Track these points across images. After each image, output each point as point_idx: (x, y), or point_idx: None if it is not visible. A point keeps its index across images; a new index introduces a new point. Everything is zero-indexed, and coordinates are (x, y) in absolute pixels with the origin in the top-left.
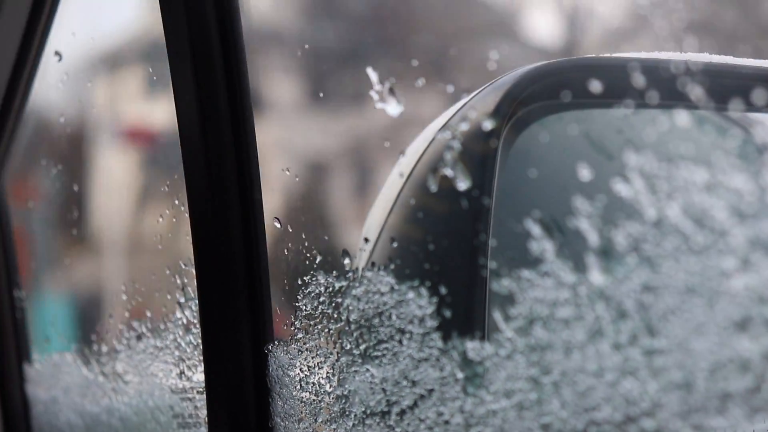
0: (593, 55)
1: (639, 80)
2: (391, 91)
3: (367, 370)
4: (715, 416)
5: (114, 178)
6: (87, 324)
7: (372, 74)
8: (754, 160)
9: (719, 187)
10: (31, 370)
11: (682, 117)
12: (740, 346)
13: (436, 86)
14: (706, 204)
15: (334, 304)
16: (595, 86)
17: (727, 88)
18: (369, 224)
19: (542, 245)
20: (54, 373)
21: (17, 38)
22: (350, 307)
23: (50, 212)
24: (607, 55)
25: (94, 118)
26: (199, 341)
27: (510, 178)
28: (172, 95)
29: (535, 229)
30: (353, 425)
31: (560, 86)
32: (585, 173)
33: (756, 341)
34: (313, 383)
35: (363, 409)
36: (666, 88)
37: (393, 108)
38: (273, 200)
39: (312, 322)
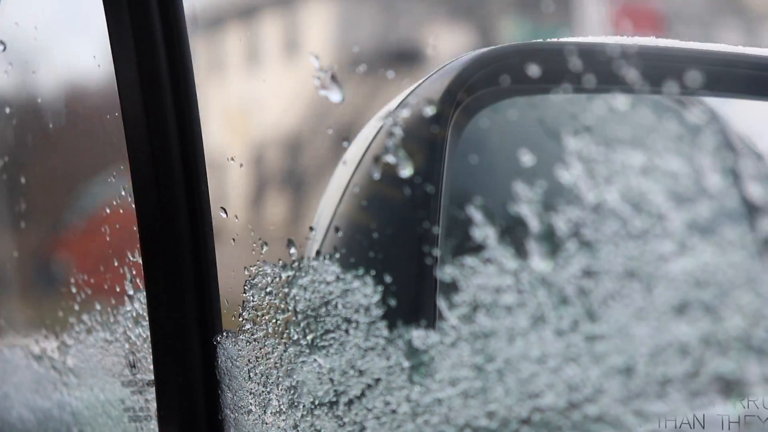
0: (538, 40)
1: (578, 64)
2: (333, 78)
3: (315, 360)
4: (655, 401)
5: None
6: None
7: (314, 61)
8: (689, 143)
9: (656, 171)
10: None
11: (620, 100)
12: (679, 330)
13: (379, 73)
14: (643, 188)
15: (281, 295)
16: (539, 72)
17: (662, 71)
18: (319, 213)
19: (485, 232)
20: (4, 369)
21: None
22: (297, 297)
23: None
24: (552, 39)
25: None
26: (149, 333)
27: (458, 165)
28: (116, 85)
29: (478, 216)
30: (302, 416)
31: (510, 71)
32: (529, 159)
33: (694, 325)
34: (262, 374)
35: (311, 400)
36: (604, 71)
37: (335, 95)
38: (219, 190)
39: (259, 313)
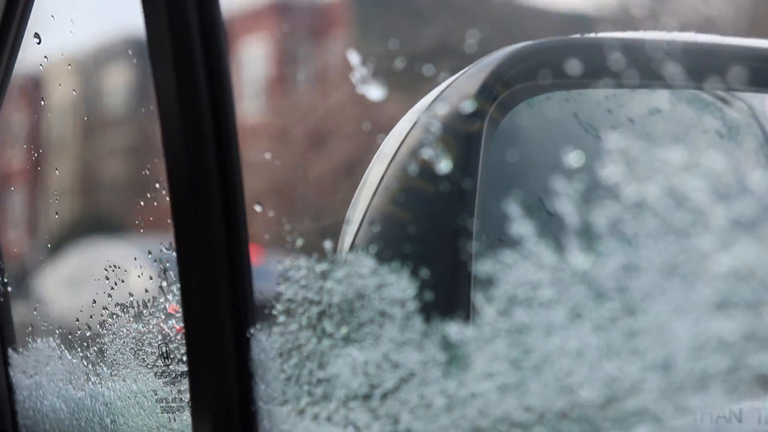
0: (577, 35)
1: (621, 60)
2: (374, 74)
3: (349, 353)
4: (693, 395)
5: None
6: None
7: (354, 57)
8: (731, 139)
9: (697, 167)
10: (15, 355)
11: (663, 96)
12: (719, 326)
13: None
14: (684, 184)
15: (315, 288)
16: (579, 67)
17: (705, 67)
18: (353, 206)
19: (521, 227)
20: (37, 358)
21: None
22: (331, 290)
23: (31, 196)
24: (591, 34)
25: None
26: (182, 325)
27: (495, 160)
28: (153, 84)
29: (515, 211)
30: (336, 408)
31: (547, 66)
32: (569, 154)
33: (734, 321)
34: (296, 367)
35: (345, 392)
36: (647, 67)
37: (375, 92)
38: (254, 185)
39: (294, 306)
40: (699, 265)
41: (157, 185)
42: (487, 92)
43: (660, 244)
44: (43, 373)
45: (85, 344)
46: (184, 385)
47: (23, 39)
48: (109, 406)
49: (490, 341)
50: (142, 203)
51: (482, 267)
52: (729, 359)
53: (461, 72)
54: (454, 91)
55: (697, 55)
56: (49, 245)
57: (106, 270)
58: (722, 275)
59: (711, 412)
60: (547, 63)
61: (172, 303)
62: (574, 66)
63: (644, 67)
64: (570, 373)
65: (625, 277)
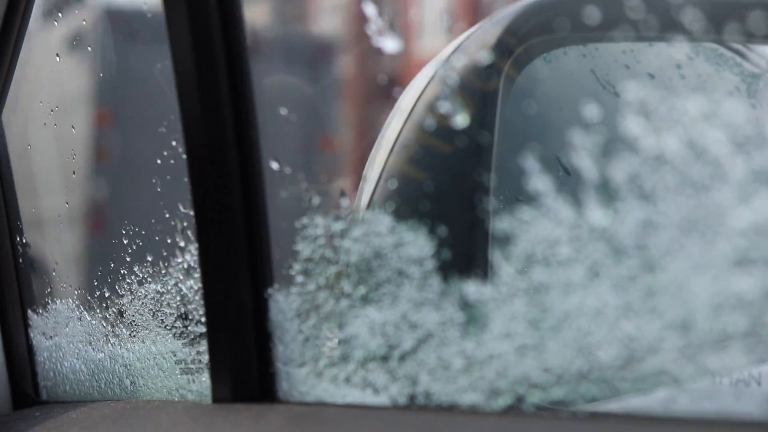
0: None
1: (638, 10)
2: (391, 25)
3: (367, 313)
4: (713, 356)
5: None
6: (88, 269)
7: (370, 8)
8: (752, 94)
9: (718, 119)
10: (34, 316)
11: (683, 49)
12: (739, 284)
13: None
14: (703, 137)
15: (333, 247)
16: (595, 18)
17: (724, 18)
18: (370, 163)
19: (539, 183)
20: (57, 320)
21: None
22: (349, 250)
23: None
24: None
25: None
26: (200, 285)
27: (512, 115)
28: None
29: (532, 167)
30: (354, 369)
31: (560, 19)
32: (585, 110)
33: (755, 279)
34: (314, 327)
35: (363, 353)
36: (665, 17)
37: (392, 44)
38: (269, 141)
39: (311, 266)
40: (718, 220)
41: (174, 143)
42: (502, 48)
43: (679, 198)
44: (62, 335)
45: (104, 305)
46: (203, 346)
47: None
48: (128, 367)
49: (508, 301)
50: (158, 161)
51: (500, 224)
52: (749, 319)
53: (477, 26)
54: (470, 46)
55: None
56: (67, 203)
57: (123, 230)
58: (742, 230)
59: (730, 373)
60: (561, 15)
61: (191, 263)
62: (590, 17)
63: (660, 18)
64: (588, 333)
65: (643, 233)
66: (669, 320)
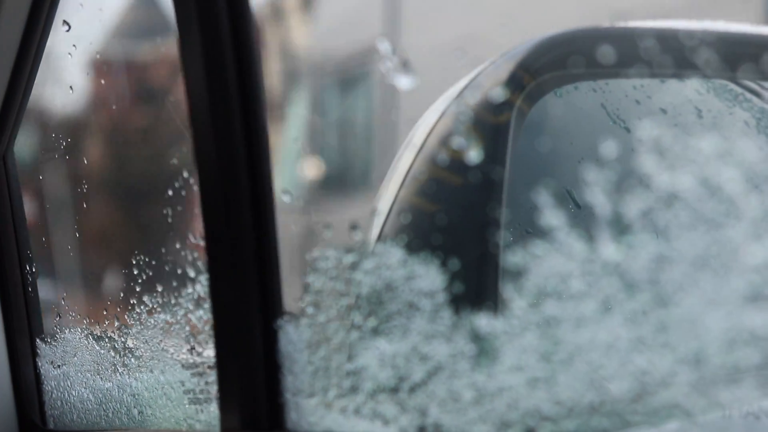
0: (607, 24)
1: (652, 49)
2: (405, 63)
3: (378, 345)
4: (726, 390)
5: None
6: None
7: (383, 45)
8: (763, 126)
9: (732, 157)
10: (42, 345)
11: (694, 86)
12: (752, 319)
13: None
14: (719, 174)
15: (344, 279)
16: (608, 56)
17: (738, 56)
18: (382, 196)
19: (550, 218)
20: (65, 349)
21: (26, 6)
22: (360, 282)
23: (59, 185)
24: (621, 23)
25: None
26: (210, 316)
27: (523, 150)
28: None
29: (543, 202)
30: (364, 401)
31: (573, 56)
32: (599, 144)
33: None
34: (324, 358)
35: (373, 385)
36: (678, 56)
37: (405, 82)
38: (283, 173)
39: (322, 297)
40: (730, 256)
41: (185, 174)
42: (515, 83)
43: (693, 236)
44: (70, 364)
45: (113, 335)
46: (212, 376)
47: (52, 26)
48: (136, 396)
49: (519, 333)
50: (170, 193)
51: (511, 258)
52: (761, 353)
53: (490, 61)
54: (483, 81)
55: (725, 45)
56: (78, 235)
57: (133, 260)
58: (755, 267)
59: (741, 407)
60: (575, 52)
61: (201, 293)
62: (601, 55)
63: (672, 56)
64: (600, 367)
65: (656, 269)
66: (681, 354)
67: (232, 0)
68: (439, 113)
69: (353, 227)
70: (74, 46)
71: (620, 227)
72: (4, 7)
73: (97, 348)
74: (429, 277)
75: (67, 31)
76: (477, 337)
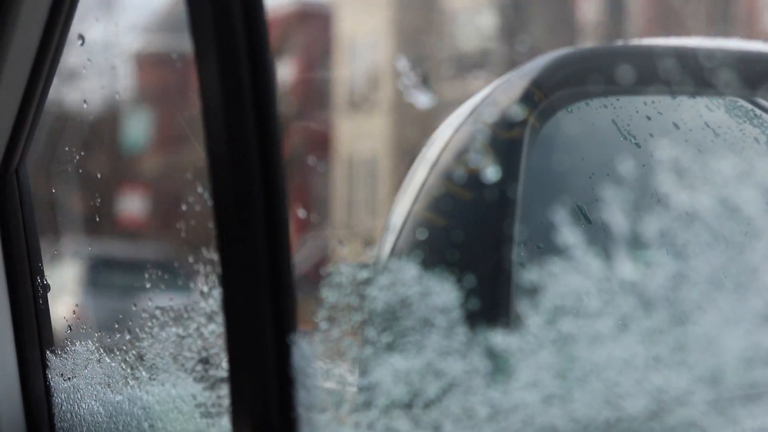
0: (620, 42)
1: (666, 67)
2: (424, 80)
3: (391, 361)
4: (743, 409)
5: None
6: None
7: (402, 63)
8: None
9: (750, 176)
10: (53, 357)
11: (710, 104)
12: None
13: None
14: (737, 194)
15: (357, 295)
16: (622, 73)
17: (757, 75)
18: (395, 212)
19: (570, 235)
20: (75, 361)
21: (41, 21)
22: (374, 298)
23: (72, 199)
24: (634, 41)
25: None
26: (223, 329)
27: (537, 167)
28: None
29: (563, 219)
30: (377, 416)
31: (587, 73)
32: (613, 161)
33: None
34: (337, 374)
35: (387, 401)
36: (694, 74)
37: (423, 99)
38: (298, 189)
39: (336, 313)
40: (748, 276)
41: (200, 189)
42: (528, 100)
43: (710, 255)
44: (81, 376)
45: (124, 347)
46: (224, 390)
47: (67, 39)
48: (147, 410)
49: (534, 350)
50: (184, 207)
51: (525, 275)
52: None
53: (502, 78)
54: (496, 98)
55: (747, 62)
56: (90, 248)
57: (146, 273)
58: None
59: (759, 426)
60: (590, 69)
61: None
62: (613, 73)
63: (692, 74)
64: (616, 384)
65: (673, 287)
66: (698, 372)
67: (247, 6)
68: (453, 129)
69: (367, 243)
70: (89, 60)
71: (632, 243)
72: (20, 19)
73: (108, 361)
74: (443, 293)
75: (82, 45)
76: (492, 354)
